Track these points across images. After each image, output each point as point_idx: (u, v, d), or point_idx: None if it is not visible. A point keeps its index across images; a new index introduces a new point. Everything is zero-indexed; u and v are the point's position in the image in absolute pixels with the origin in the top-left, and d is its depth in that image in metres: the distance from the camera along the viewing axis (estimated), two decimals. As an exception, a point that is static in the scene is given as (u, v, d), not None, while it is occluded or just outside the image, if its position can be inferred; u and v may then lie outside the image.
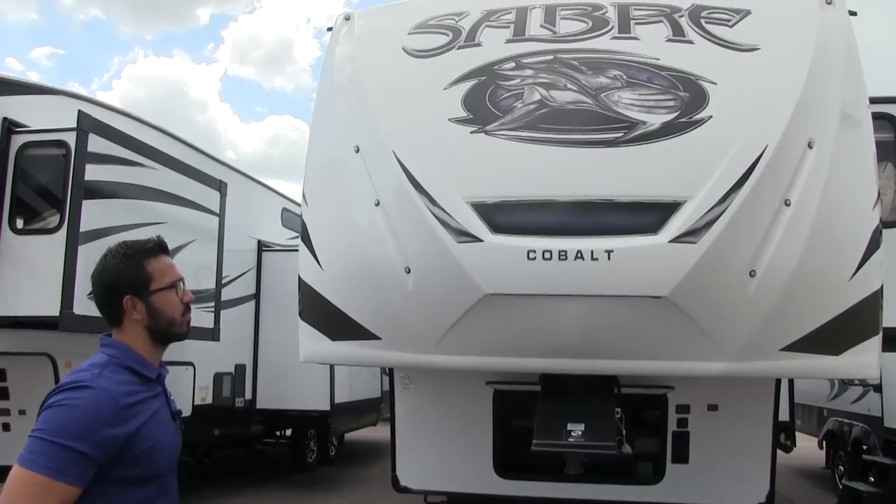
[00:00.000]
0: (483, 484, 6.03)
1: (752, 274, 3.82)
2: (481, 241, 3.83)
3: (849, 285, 4.02)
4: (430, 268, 4.01)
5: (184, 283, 2.34)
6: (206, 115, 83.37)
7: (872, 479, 9.33)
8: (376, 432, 13.48)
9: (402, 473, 6.17)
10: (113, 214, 7.66)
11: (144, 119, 9.15)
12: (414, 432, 6.14)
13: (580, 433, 4.22)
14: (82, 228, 7.08)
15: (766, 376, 4.96)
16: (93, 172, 7.26)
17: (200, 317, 9.32)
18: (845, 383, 10.09)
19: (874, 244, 4.05)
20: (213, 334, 9.47)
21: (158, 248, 2.33)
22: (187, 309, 2.34)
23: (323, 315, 4.58)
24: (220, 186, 9.84)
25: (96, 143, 7.31)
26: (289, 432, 12.92)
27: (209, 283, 9.60)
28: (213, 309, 9.54)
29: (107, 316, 2.26)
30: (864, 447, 9.78)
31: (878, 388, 9.32)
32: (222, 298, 9.89)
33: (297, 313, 4.86)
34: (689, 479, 5.81)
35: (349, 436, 14.75)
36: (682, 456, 5.80)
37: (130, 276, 2.23)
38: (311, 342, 4.68)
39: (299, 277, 4.79)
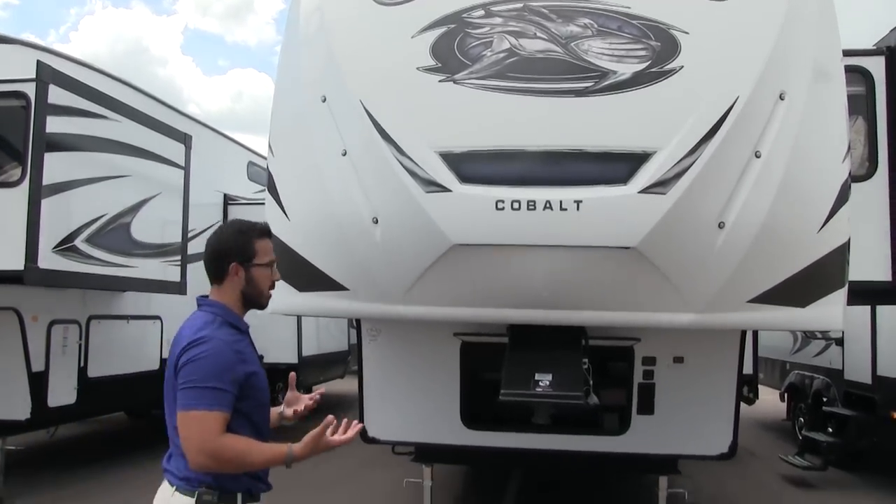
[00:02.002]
0: (450, 435, 6.06)
1: (720, 226, 3.82)
2: (449, 190, 3.77)
3: (817, 238, 4.03)
4: (398, 218, 3.96)
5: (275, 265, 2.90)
6: (168, 70, 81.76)
7: (831, 430, 9.56)
8: (344, 385, 13.55)
9: (370, 425, 6.19)
10: (76, 167, 7.51)
11: (106, 70, 8.94)
12: (382, 384, 6.14)
13: (547, 384, 4.23)
14: (45, 182, 6.94)
15: (734, 328, 4.99)
16: (54, 125, 7.08)
17: (167, 270, 9.25)
18: (808, 337, 10.26)
19: (843, 198, 4.06)
20: (179, 288, 9.41)
21: (265, 232, 2.89)
22: (272, 286, 2.90)
23: (290, 266, 4.50)
24: (185, 139, 9.67)
25: (57, 95, 7.12)
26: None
27: (175, 237, 9.51)
28: (179, 262, 9.46)
29: (212, 274, 2.82)
30: (825, 399, 10.00)
31: (839, 342, 9.50)
32: (188, 252, 9.79)
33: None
34: (654, 430, 5.89)
35: (316, 388, 14.75)
36: (647, 407, 5.87)
37: (241, 248, 2.78)
38: (279, 294, 4.56)
39: None
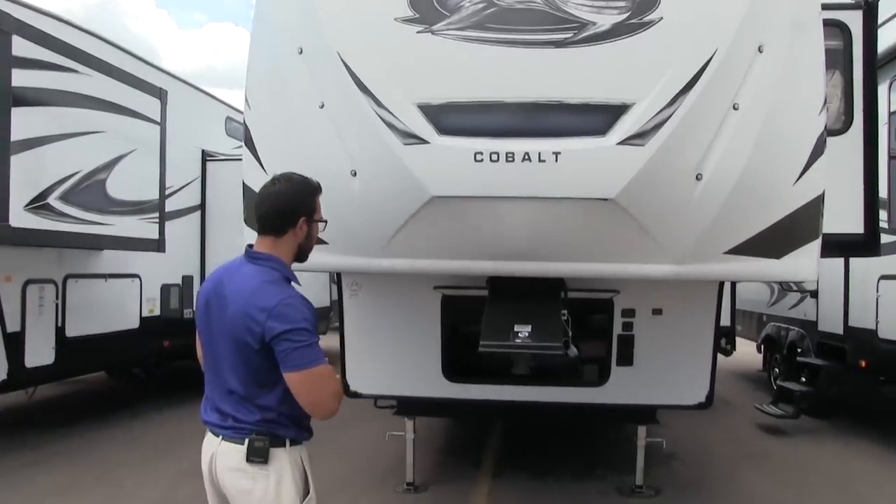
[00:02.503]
0: (432, 388, 6.12)
1: (698, 177, 3.83)
2: (427, 142, 3.74)
3: (792, 190, 4.06)
4: (376, 171, 3.93)
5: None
6: (141, 24, 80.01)
7: (804, 380, 9.77)
8: (326, 341, 13.56)
9: (351, 379, 6.23)
10: (46, 123, 7.35)
11: (75, 23, 8.70)
12: (363, 338, 6.17)
13: (527, 335, 4.27)
14: (13, 138, 6.78)
15: (711, 279, 5.05)
16: (20, 78, 6.90)
17: (144, 228, 9.17)
18: (784, 289, 10.42)
19: (819, 150, 4.08)
20: (158, 245, 9.35)
21: (320, 189, 3.02)
22: (317, 241, 3.07)
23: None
24: (160, 94, 9.51)
25: (22, 47, 6.92)
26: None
27: (152, 194, 9.41)
28: (157, 220, 9.38)
29: (275, 227, 2.87)
30: (799, 350, 10.21)
31: (814, 294, 9.66)
32: (166, 209, 9.73)
33: (243, 220, 4.78)
34: (632, 381, 5.98)
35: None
36: (626, 358, 5.95)
37: (309, 202, 2.94)
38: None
39: (243, 183, 4.67)
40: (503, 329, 4.33)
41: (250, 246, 2.94)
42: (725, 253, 4.11)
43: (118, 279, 9.35)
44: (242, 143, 4.85)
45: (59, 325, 8.24)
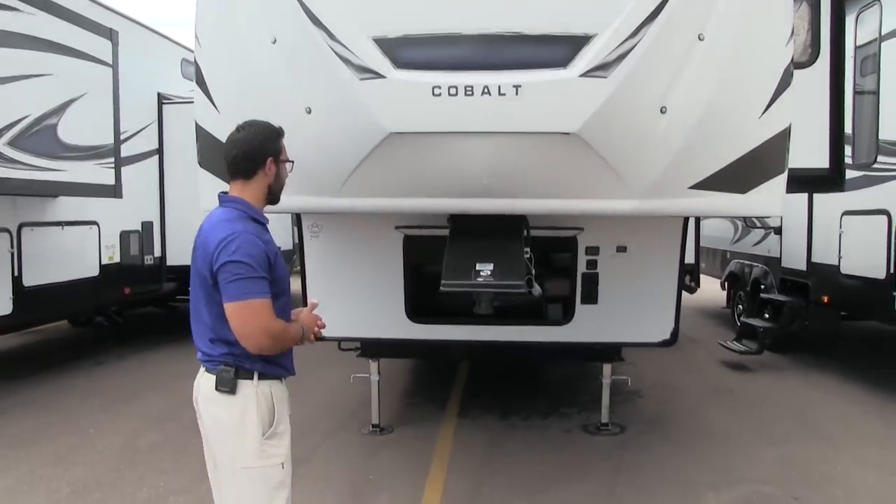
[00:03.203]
0: (396, 329, 6.07)
1: (662, 111, 3.74)
2: (384, 77, 3.60)
3: (758, 123, 3.99)
4: (332, 107, 3.79)
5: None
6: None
7: (767, 316, 9.88)
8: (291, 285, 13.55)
9: None
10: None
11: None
12: (324, 280, 6.08)
13: (489, 273, 4.19)
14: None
15: (676, 214, 4.98)
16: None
17: (100, 173, 8.93)
18: (748, 226, 10.47)
19: (785, 82, 3.99)
20: (114, 191, 9.13)
21: (282, 132, 3.13)
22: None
23: (222, 161, 4.34)
24: (111, 35, 9.16)
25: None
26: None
27: (107, 139, 9.11)
28: (112, 165, 9.12)
29: (242, 171, 3.03)
30: (762, 287, 10.31)
31: (778, 231, 9.73)
32: (123, 154, 9.46)
33: (198, 163, 4.61)
34: (597, 319, 5.98)
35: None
36: (590, 297, 5.93)
37: (274, 144, 3.07)
38: (209, 190, 4.45)
39: (196, 123, 4.50)
40: (465, 268, 4.25)
41: (225, 192, 3.09)
42: (690, 188, 4.04)
43: (75, 226, 9.10)
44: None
45: (16, 274, 8.02)
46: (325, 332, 6.12)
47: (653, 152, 3.85)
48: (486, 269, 4.20)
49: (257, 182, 3.04)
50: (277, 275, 2.96)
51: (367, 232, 5.85)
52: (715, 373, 9.14)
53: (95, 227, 9.49)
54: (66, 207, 8.87)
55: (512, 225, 4.55)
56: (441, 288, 4.26)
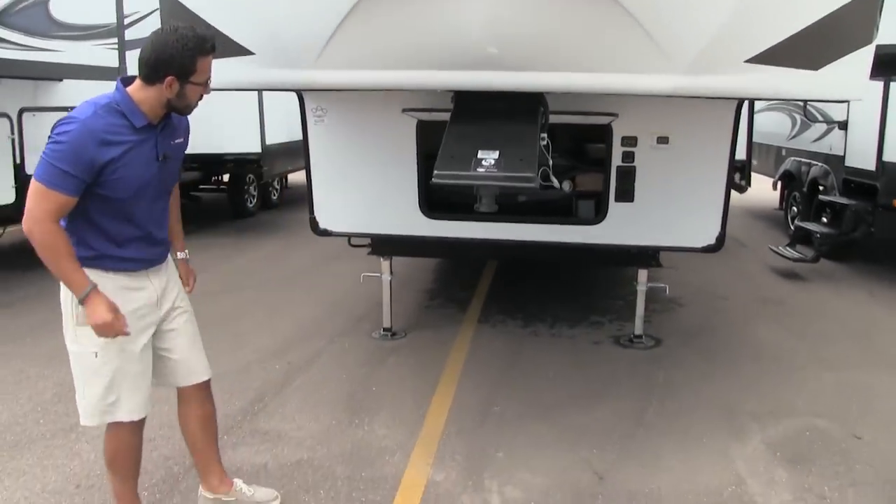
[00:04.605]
0: (409, 225, 5.49)
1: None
2: None
3: None
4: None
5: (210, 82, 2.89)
6: None
7: (825, 221, 9.07)
8: (296, 176, 13.22)
9: (320, 215, 5.63)
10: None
11: None
12: (331, 170, 5.48)
13: (492, 163, 3.47)
14: None
15: (727, 96, 4.15)
16: None
17: (101, 55, 8.36)
18: (808, 120, 9.48)
19: None
20: (118, 74, 8.51)
21: (212, 49, 2.82)
22: (201, 98, 2.91)
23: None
24: None
25: None
26: (226, 178, 12.73)
27: (108, 18, 8.49)
28: (115, 46, 8.54)
29: (144, 75, 2.76)
30: (821, 188, 9.44)
31: (843, 126, 8.76)
32: (129, 37, 8.88)
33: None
34: (633, 219, 5.30)
35: (295, 180, 14.41)
36: (626, 194, 5.24)
37: (182, 64, 2.74)
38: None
39: None
40: (464, 155, 3.54)
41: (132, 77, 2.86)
42: (747, 61, 3.25)
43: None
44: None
45: (18, 161, 7.71)
46: (331, 227, 5.65)
47: (699, 13, 3.07)
48: (489, 157, 3.47)
49: (153, 92, 2.78)
50: (120, 178, 2.75)
51: (375, 117, 5.20)
52: (764, 281, 8.39)
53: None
54: (71, 91, 8.35)
55: (525, 105, 3.79)
56: (432, 180, 3.58)
